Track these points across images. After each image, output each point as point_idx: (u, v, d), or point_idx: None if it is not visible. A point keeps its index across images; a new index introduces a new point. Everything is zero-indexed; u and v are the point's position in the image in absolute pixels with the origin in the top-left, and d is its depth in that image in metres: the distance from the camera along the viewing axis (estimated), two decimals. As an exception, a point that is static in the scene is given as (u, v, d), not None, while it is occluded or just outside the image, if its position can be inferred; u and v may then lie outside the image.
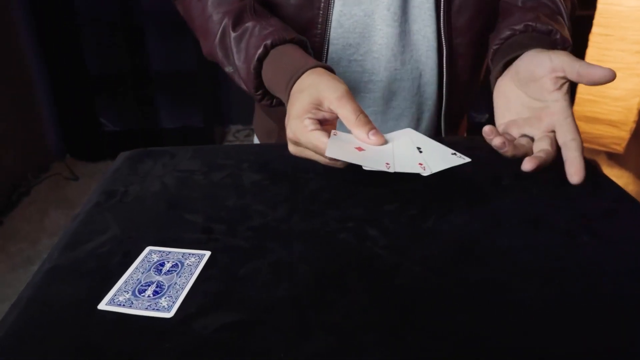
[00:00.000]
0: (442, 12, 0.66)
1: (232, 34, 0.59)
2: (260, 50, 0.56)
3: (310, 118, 0.48)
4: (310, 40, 0.62)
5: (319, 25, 0.65)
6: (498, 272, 0.41)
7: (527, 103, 0.55)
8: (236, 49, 0.59)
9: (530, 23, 0.59)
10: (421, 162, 0.47)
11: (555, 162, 0.52)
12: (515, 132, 0.56)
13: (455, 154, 0.49)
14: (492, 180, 0.55)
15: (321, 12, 0.65)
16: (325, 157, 0.47)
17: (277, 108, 0.62)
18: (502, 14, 0.65)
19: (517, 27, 0.60)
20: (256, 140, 0.83)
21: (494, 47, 0.62)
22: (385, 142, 0.49)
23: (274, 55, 0.57)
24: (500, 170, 0.55)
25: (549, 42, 0.58)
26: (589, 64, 0.50)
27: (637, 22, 1.91)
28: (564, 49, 0.58)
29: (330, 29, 0.66)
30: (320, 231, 0.46)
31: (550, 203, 0.50)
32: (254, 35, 0.58)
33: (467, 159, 0.49)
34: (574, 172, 0.51)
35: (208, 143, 2.49)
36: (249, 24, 0.59)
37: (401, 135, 0.51)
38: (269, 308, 0.37)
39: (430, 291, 0.38)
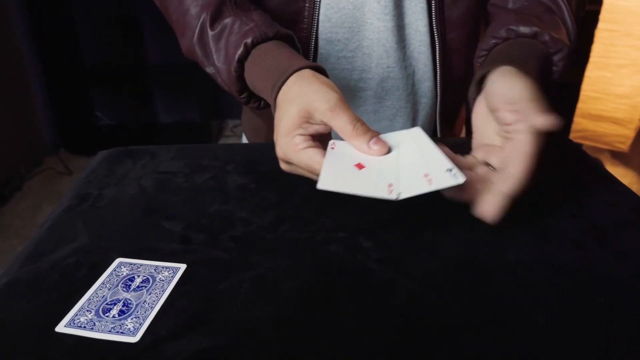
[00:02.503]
0: (434, 4, 0.62)
1: (210, 32, 0.54)
2: (240, 50, 0.52)
3: (301, 134, 0.44)
4: (297, 36, 0.57)
5: (306, 20, 0.62)
6: (504, 289, 0.38)
7: (498, 130, 0.47)
8: (215, 48, 0.54)
9: (512, 27, 0.53)
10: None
11: (563, 168, 0.48)
12: (481, 158, 0.47)
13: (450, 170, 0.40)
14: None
15: (307, 4, 0.61)
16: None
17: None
18: (490, 19, 0.59)
19: (499, 35, 0.54)
20: (244, 138, 0.79)
21: (478, 61, 0.56)
22: (390, 150, 0.44)
23: (257, 55, 0.52)
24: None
25: (537, 46, 0.52)
26: (541, 107, 0.42)
27: (644, 18, 1.87)
28: (557, 51, 0.52)
29: (317, 23, 0.62)
30: (309, 242, 0.43)
31: (561, 212, 0.47)
32: (234, 33, 0.53)
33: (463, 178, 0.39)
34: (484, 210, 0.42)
35: (205, 138, 2.45)
36: (228, 20, 0.54)
37: (409, 142, 0.44)
38: (250, 331, 0.34)
39: (429, 311, 0.36)
